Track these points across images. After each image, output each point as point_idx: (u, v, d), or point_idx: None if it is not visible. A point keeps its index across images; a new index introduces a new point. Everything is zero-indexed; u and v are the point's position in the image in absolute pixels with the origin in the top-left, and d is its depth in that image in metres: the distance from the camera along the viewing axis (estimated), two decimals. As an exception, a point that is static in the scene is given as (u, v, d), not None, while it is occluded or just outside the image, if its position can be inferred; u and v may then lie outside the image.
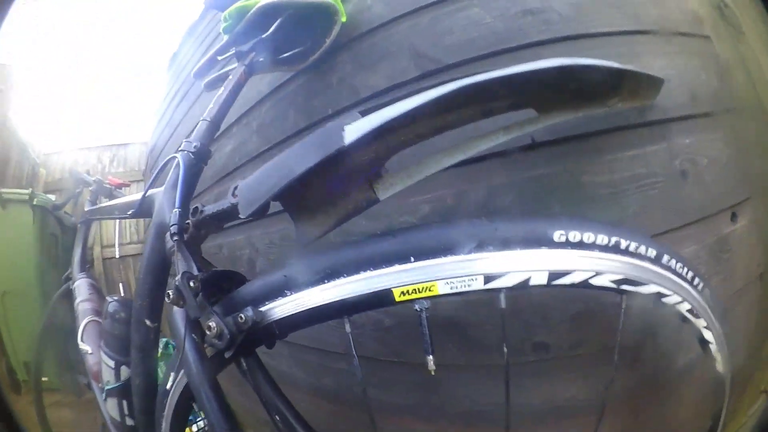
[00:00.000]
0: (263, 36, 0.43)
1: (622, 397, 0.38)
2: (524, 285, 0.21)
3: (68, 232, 1.13)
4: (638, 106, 0.38)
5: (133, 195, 0.61)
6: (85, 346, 0.58)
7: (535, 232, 0.21)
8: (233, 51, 0.45)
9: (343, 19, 0.47)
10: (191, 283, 0.26)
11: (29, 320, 1.01)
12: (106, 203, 0.75)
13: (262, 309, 0.25)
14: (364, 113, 0.22)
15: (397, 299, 0.21)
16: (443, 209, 0.36)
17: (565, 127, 0.34)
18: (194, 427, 0.62)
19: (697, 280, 0.29)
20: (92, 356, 0.57)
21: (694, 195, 0.40)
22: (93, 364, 0.56)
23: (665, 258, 0.26)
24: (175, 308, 0.28)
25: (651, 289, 0.25)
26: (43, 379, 0.98)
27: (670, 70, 0.44)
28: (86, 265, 0.79)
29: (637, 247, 0.24)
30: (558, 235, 0.21)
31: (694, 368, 0.37)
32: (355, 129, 0.20)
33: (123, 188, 0.82)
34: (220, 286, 0.29)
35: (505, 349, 0.24)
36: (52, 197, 1.09)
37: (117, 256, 1.09)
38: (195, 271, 0.28)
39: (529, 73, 0.26)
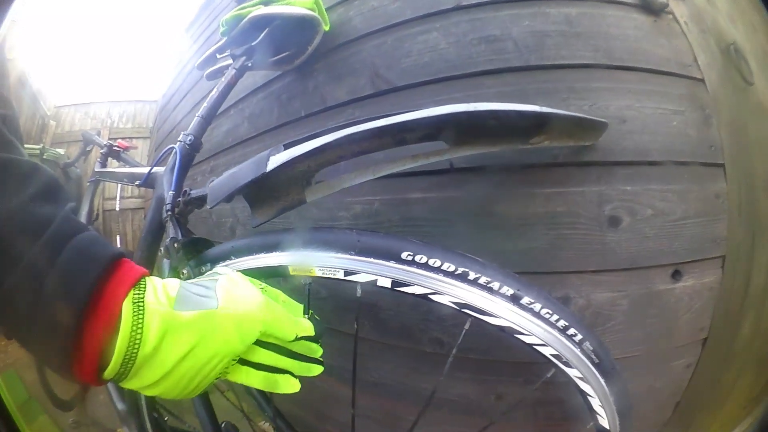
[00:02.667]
0: (253, 43, 0.66)
1: (515, 412, 0.56)
2: (373, 284, 0.41)
3: (72, 185, 1.54)
4: (573, 146, 0.53)
5: (141, 168, 0.90)
6: None
7: (387, 249, 0.40)
8: (229, 52, 0.69)
9: (326, 28, 0.68)
10: (175, 245, 0.51)
11: None
12: (116, 169, 1.08)
13: (218, 266, 0.48)
14: (287, 146, 0.43)
15: (291, 273, 0.42)
16: (370, 211, 0.56)
17: (485, 157, 0.51)
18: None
19: (572, 330, 0.41)
20: None
21: (623, 244, 0.55)
22: None
23: (525, 299, 0.39)
24: (165, 259, 0.53)
25: (499, 322, 0.40)
26: None
27: (631, 111, 0.57)
28: (92, 220, 1.14)
29: (488, 282, 0.39)
30: (405, 255, 0.40)
31: (578, 414, 0.50)
32: (275, 160, 0.41)
33: (129, 150, 1.14)
34: (197, 248, 0.53)
35: (356, 325, 0.45)
36: (61, 151, 1.49)
37: (117, 209, 1.47)
38: (180, 237, 0.53)
39: (436, 117, 0.44)
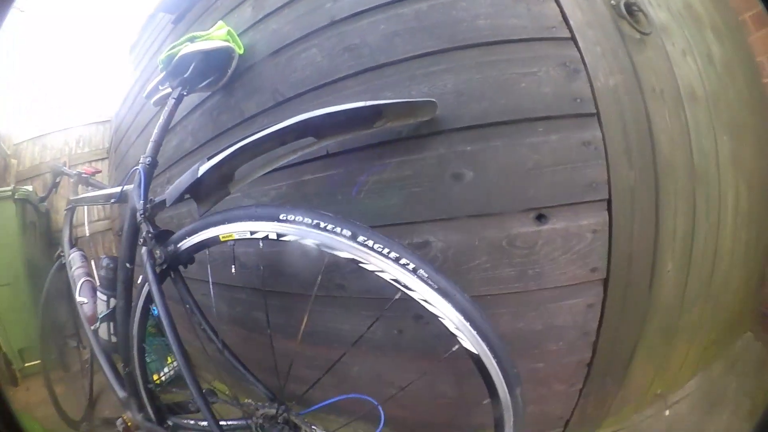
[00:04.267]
0: (185, 76, 1.27)
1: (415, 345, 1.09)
2: (267, 238, 0.97)
3: (43, 217, 2.30)
4: (413, 123, 1.06)
5: (111, 189, 1.56)
6: (81, 299, 1.58)
7: (271, 213, 0.94)
8: (168, 84, 1.31)
9: (241, 52, 1.27)
10: (150, 236, 1.13)
11: (20, 309, 2.18)
12: (89, 193, 1.76)
13: (178, 245, 1.09)
14: (210, 158, 1.02)
15: (221, 240, 1.01)
16: (280, 193, 1.14)
17: (350, 141, 1.06)
18: (162, 374, 1.61)
19: (404, 260, 0.84)
20: (87, 305, 1.55)
21: (469, 194, 1.03)
22: (88, 311, 1.55)
23: (360, 238, 0.90)
24: (144, 248, 1.15)
25: (345, 255, 0.90)
26: (31, 363, 2.14)
27: (470, 83, 1.07)
28: (74, 243, 1.83)
29: (332, 228, 0.91)
30: (281, 216, 0.94)
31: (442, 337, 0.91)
32: (203, 168, 0.99)
33: (95, 175, 1.82)
34: (164, 236, 1.15)
35: (260, 268, 1.03)
36: (29, 188, 2.24)
37: (87, 235, 2.18)
38: (152, 231, 1.15)
39: (296, 123, 1.01)
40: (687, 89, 1.21)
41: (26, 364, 2.19)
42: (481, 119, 1.06)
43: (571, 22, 1.10)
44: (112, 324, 1.43)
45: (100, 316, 1.46)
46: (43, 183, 2.20)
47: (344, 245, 0.91)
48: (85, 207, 2.07)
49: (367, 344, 1.13)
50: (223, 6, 1.45)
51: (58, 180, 1.94)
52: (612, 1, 1.19)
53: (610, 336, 1.11)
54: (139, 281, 1.24)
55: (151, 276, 1.11)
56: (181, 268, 1.14)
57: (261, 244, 0.97)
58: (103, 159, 2.14)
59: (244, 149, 1.00)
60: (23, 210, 2.15)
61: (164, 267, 1.10)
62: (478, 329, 0.85)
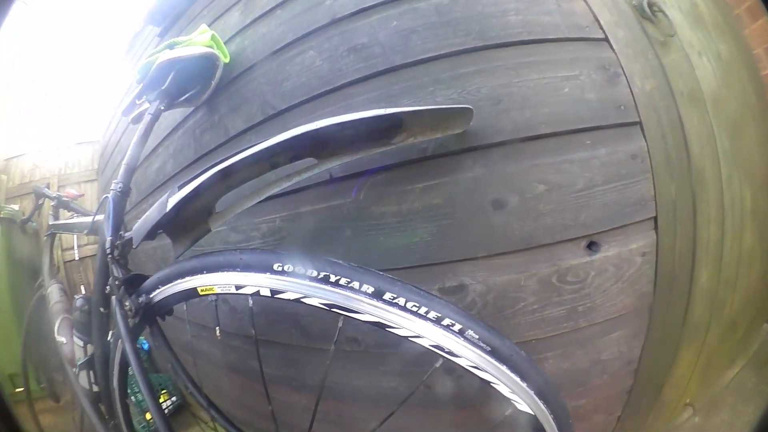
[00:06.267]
0: (163, 87, 1.00)
1: (443, 402, 0.82)
2: (257, 294, 0.70)
3: (30, 240, 2.05)
4: (441, 137, 0.79)
5: (88, 217, 1.30)
6: (60, 338, 1.31)
7: (262, 263, 0.68)
8: (145, 97, 1.04)
9: (226, 61, 1.00)
10: (117, 283, 0.87)
11: (7, 331, 1.94)
12: (68, 220, 1.50)
13: (150, 295, 0.82)
14: (180, 186, 0.76)
15: (200, 293, 0.74)
16: (274, 228, 0.87)
17: (360, 163, 0.80)
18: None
19: (447, 321, 0.60)
20: (66, 345, 1.29)
21: (514, 225, 0.78)
22: (68, 352, 1.28)
23: (388, 295, 0.60)
24: (112, 296, 0.89)
25: (366, 318, 0.63)
26: (21, 390, 1.90)
27: (508, 88, 0.81)
28: (54, 272, 1.58)
29: (348, 282, 0.64)
30: (276, 266, 0.68)
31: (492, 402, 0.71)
32: (171, 201, 0.73)
33: (77, 198, 1.57)
34: (134, 283, 0.88)
35: (253, 330, 0.76)
36: (16, 207, 2.00)
37: (77, 258, 1.93)
38: (120, 275, 0.88)
39: (290, 139, 0.74)
40: (708, 91, 1.05)
41: (17, 390, 1.95)
42: (524, 132, 0.81)
43: (601, 22, 0.90)
44: (92, 372, 1.16)
45: (78, 363, 1.19)
46: (32, 205, 1.96)
47: (365, 306, 0.65)
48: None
49: (390, 401, 0.87)
50: (210, 14, 1.21)
51: (40, 202, 1.70)
52: (633, 2, 0.97)
53: (650, 360, 0.93)
54: (111, 335, 0.98)
55: (123, 331, 0.85)
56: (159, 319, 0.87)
57: (251, 302, 0.69)
58: (92, 180, 1.89)
59: (224, 175, 0.73)
60: (8, 230, 1.91)
61: (137, 321, 0.83)
62: (537, 390, 0.66)
